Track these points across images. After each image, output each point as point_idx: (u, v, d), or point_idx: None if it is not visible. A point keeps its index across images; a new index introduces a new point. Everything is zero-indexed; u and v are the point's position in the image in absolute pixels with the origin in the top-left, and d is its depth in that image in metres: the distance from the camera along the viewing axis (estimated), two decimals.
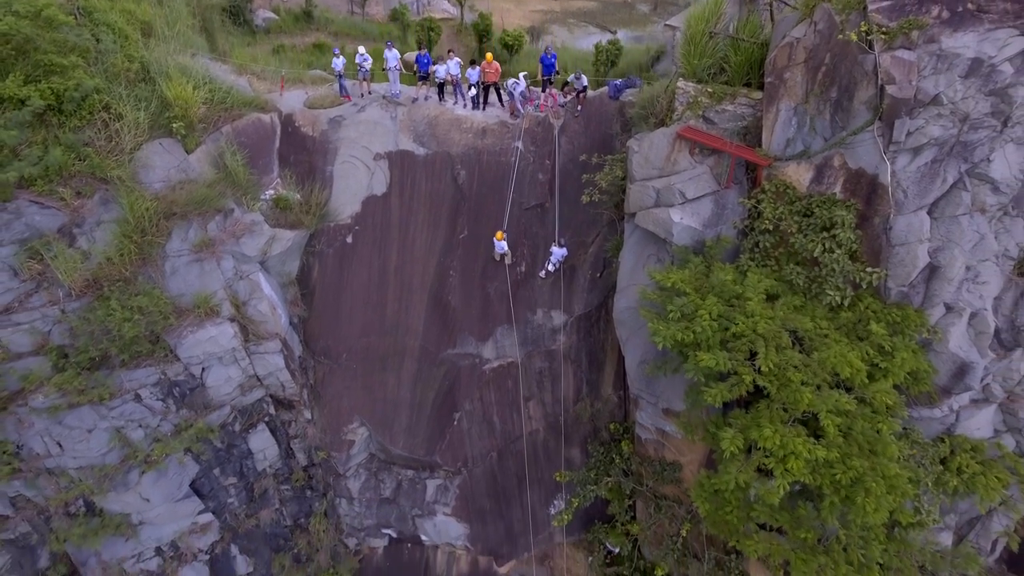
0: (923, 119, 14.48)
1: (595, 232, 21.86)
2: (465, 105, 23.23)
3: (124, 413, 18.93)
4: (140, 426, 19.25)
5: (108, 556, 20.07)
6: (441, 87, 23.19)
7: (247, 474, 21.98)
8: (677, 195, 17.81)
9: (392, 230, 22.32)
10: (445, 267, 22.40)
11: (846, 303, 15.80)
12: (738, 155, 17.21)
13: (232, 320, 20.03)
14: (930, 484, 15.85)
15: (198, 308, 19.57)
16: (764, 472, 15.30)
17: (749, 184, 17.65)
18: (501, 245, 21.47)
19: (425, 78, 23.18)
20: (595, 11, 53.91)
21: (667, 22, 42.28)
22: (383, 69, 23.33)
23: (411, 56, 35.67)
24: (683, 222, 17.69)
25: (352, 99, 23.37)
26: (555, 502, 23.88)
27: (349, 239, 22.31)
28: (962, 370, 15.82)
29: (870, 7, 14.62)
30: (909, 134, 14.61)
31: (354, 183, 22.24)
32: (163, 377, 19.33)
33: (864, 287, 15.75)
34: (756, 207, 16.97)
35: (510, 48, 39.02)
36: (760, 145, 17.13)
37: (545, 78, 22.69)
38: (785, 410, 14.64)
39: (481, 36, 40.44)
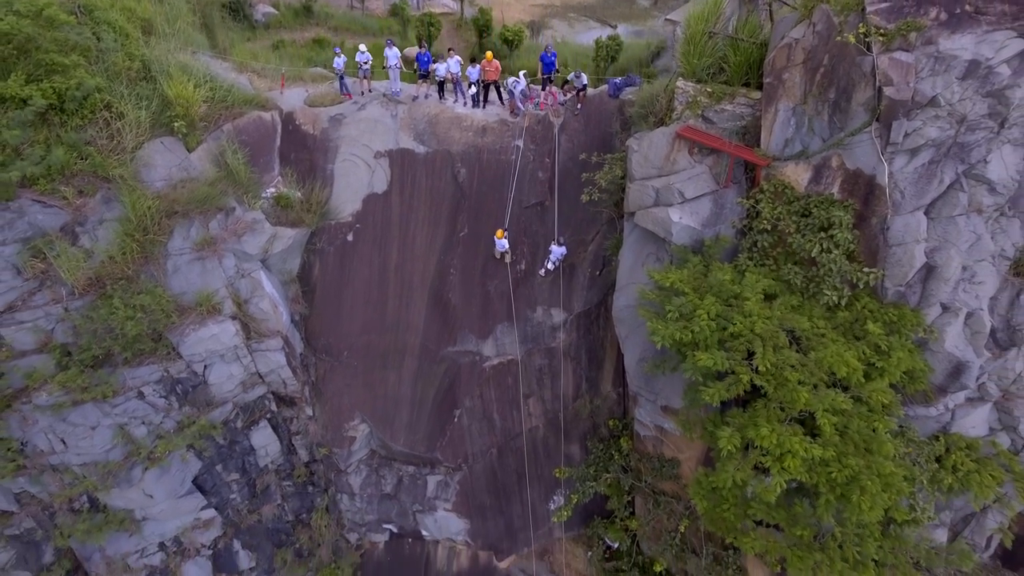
0: (920, 120, 14.57)
1: (595, 230, 21.96)
2: (465, 103, 23.29)
3: (127, 410, 19.09)
4: (143, 423, 19.42)
5: (112, 551, 20.30)
6: (441, 85, 23.24)
7: (249, 470, 22.18)
8: (676, 194, 17.91)
9: (393, 228, 22.43)
10: (445, 265, 22.52)
11: (843, 303, 15.93)
12: (737, 155, 17.31)
13: (234, 318, 20.18)
14: (925, 482, 16.01)
15: (200, 306, 19.71)
16: (761, 470, 15.47)
17: (748, 184, 17.75)
18: (502, 243, 21.58)
19: (425, 76, 23.24)
20: (595, 5, 53.74)
21: (667, 16, 42.29)
22: (383, 67, 23.37)
23: (411, 51, 35.77)
24: (682, 221, 17.81)
25: (352, 97, 23.44)
26: (555, 498, 24.10)
27: (350, 237, 22.42)
28: (958, 369, 15.96)
29: (868, 9, 14.67)
30: (906, 135, 14.70)
31: (355, 181, 22.32)
32: (166, 375, 19.49)
33: (861, 287, 15.87)
34: (754, 207, 17.08)
35: (510, 43, 39.01)
36: (759, 145, 17.21)
37: (545, 76, 22.75)
38: (782, 409, 14.79)
39: (481, 31, 40.40)
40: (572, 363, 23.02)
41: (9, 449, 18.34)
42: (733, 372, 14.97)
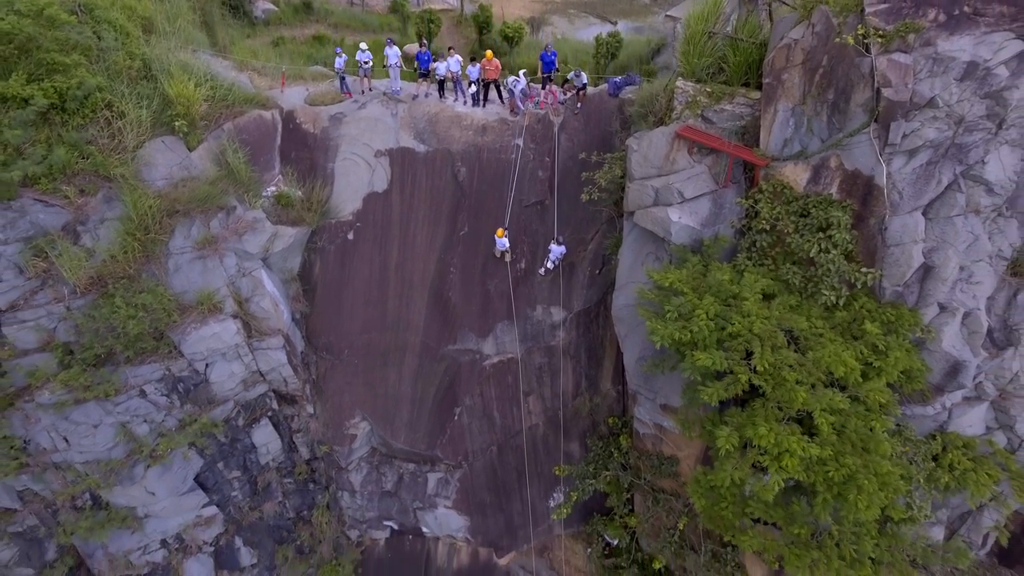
0: (919, 122, 14.64)
1: (594, 229, 22.03)
2: (465, 102, 23.33)
3: (129, 409, 19.19)
4: (145, 421, 19.52)
5: (114, 548, 20.43)
6: (441, 84, 23.28)
7: (250, 468, 22.30)
8: (675, 194, 17.98)
9: (393, 227, 22.49)
10: (446, 264, 22.60)
11: (841, 302, 16.02)
12: (736, 155, 17.37)
13: (235, 317, 20.27)
14: (922, 480, 16.14)
15: (201, 305, 19.79)
16: (759, 468, 15.58)
17: (747, 184, 17.82)
18: (502, 242, 21.65)
19: (426, 75, 23.27)
20: (595, 2, 53.71)
21: (668, 12, 42.26)
22: (383, 66, 23.40)
23: (411, 48, 35.76)
24: (681, 221, 17.88)
25: (353, 96, 23.48)
26: (554, 495, 24.24)
27: (350, 236, 22.49)
28: (955, 369, 16.08)
29: (867, 10, 14.72)
30: (905, 136, 14.77)
31: (355, 180, 22.38)
32: (167, 373, 19.58)
33: (859, 287, 15.97)
34: (753, 207, 17.16)
35: (510, 40, 39.00)
36: (758, 145, 17.27)
37: (545, 75, 22.79)
38: (780, 408, 14.89)
39: (481, 28, 40.38)
40: (572, 361, 23.12)
41: (12, 447, 18.43)
42: (731, 372, 15.07)
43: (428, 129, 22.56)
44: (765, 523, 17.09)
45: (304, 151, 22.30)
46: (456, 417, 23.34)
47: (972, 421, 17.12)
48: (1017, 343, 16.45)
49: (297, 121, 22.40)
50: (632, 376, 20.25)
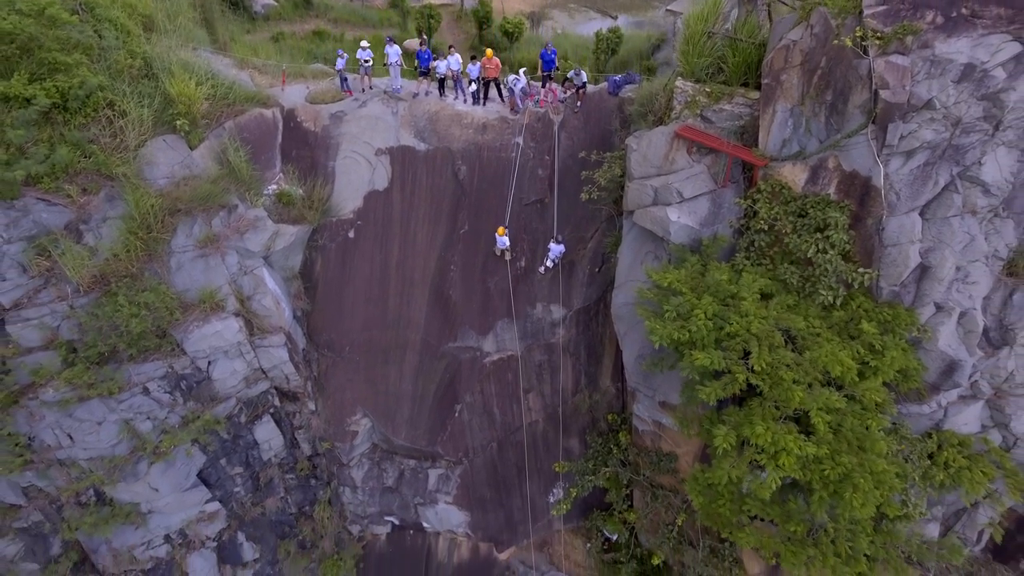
0: (916, 123, 14.74)
1: (594, 228, 22.15)
2: (465, 100, 23.40)
3: (133, 406, 19.35)
4: (148, 418, 19.68)
5: (118, 544, 20.62)
6: (442, 82, 23.33)
7: (253, 464, 22.48)
8: (675, 194, 18.08)
9: (394, 225, 22.61)
10: (446, 262, 22.72)
11: (838, 302, 16.17)
12: (735, 155, 17.47)
13: (237, 315, 20.40)
14: (917, 478, 16.31)
15: (204, 303, 19.91)
16: (757, 466, 15.76)
17: (745, 183, 17.93)
18: (503, 240, 21.76)
19: (426, 73, 23.32)
20: None
21: (668, 7, 42.25)
22: (384, 64, 23.45)
23: (411, 44, 35.77)
24: (680, 221, 17.99)
25: (353, 94, 23.53)
26: (554, 490, 24.45)
27: (351, 234, 22.60)
28: (951, 368, 16.22)
29: (865, 12, 14.80)
30: (902, 138, 14.87)
31: (356, 178, 22.47)
32: (170, 371, 19.74)
33: (856, 287, 16.10)
34: (752, 207, 17.28)
35: (510, 35, 39.04)
36: (756, 145, 17.36)
37: (545, 74, 22.87)
38: (777, 408, 15.06)
39: (481, 23, 40.41)
40: (571, 359, 23.28)
41: (17, 444, 18.59)
42: (729, 371, 15.23)
43: (428, 127, 22.64)
44: (762, 520, 17.30)
45: (305, 149, 22.38)
46: (457, 414, 23.51)
47: (967, 419, 17.28)
48: (1012, 342, 16.60)
49: (298, 119, 22.48)
50: (631, 374, 20.41)
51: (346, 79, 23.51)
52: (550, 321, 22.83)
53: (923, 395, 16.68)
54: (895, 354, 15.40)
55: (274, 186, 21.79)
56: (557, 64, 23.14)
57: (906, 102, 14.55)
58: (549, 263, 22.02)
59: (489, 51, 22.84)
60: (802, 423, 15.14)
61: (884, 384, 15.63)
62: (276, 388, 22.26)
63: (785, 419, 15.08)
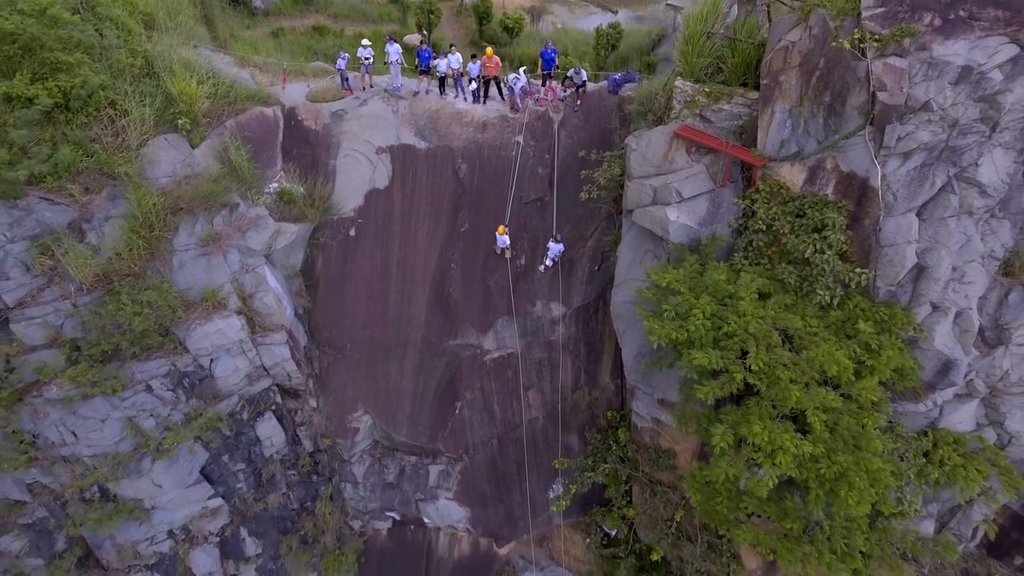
0: (913, 125, 14.83)
1: (594, 226, 22.27)
2: (466, 99, 23.46)
3: (136, 403, 19.52)
4: (152, 415, 19.86)
5: (122, 539, 20.85)
6: (442, 81, 23.38)
7: (255, 460, 22.68)
8: (674, 193, 18.19)
9: (394, 223, 22.72)
10: (446, 260, 22.85)
11: (836, 302, 16.30)
12: (733, 155, 17.56)
13: (239, 313, 20.54)
14: (913, 476, 16.50)
15: (206, 301, 20.03)
16: (754, 463, 15.93)
17: (744, 184, 18.02)
18: (503, 239, 21.88)
19: (426, 72, 23.37)
20: None
21: (669, 2, 42.15)
22: (384, 63, 23.50)
23: (411, 39, 35.80)
24: (679, 220, 18.10)
25: (354, 92, 23.57)
26: (553, 486, 24.66)
27: (352, 232, 22.71)
28: (946, 367, 16.39)
29: (864, 14, 14.86)
30: (899, 139, 14.97)
31: (357, 176, 22.56)
32: (173, 368, 19.89)
33: (853, 286, 16.24)
34: (750, 207, 17.38)
35: (510, 31, 39.04)
36: (755, 145, 17.44)
37: (545, 72, 22.93)
38: (774, 407, 15.23)
39: (481, 18, 40.37)
40: (571, 356, 23.44)
41: (21, 441, 18.77)
42: (727, 371, 15.39)
43: (429, 126, 22.72)
44: (759, 517, 17.48)
45: (306, 148, 22.46)
46: (457, 411, 23.70)
47: (963, 418, 17.44)
48: (1008, 342, 16.76)
49: (299, 118, 22.55)
50: (630, 371, 20.57)
51: (347, 78, 23.55)
52: (550, 319, 22.98)
53: (919, 394, 16.84)
54: (891, 353, 15.56)
55: (275, 184, 21.88)
56: (557, 62, 23.18)
57: (903, 104, 14.64)
58: (548, 262, 22.15)
59: (489, 50, 22.89)
60: (799, 422, 15.31)
61: (880, 383, 15.80)
62: (278, 385, 22.43)
63: (782, 418, 15.25)
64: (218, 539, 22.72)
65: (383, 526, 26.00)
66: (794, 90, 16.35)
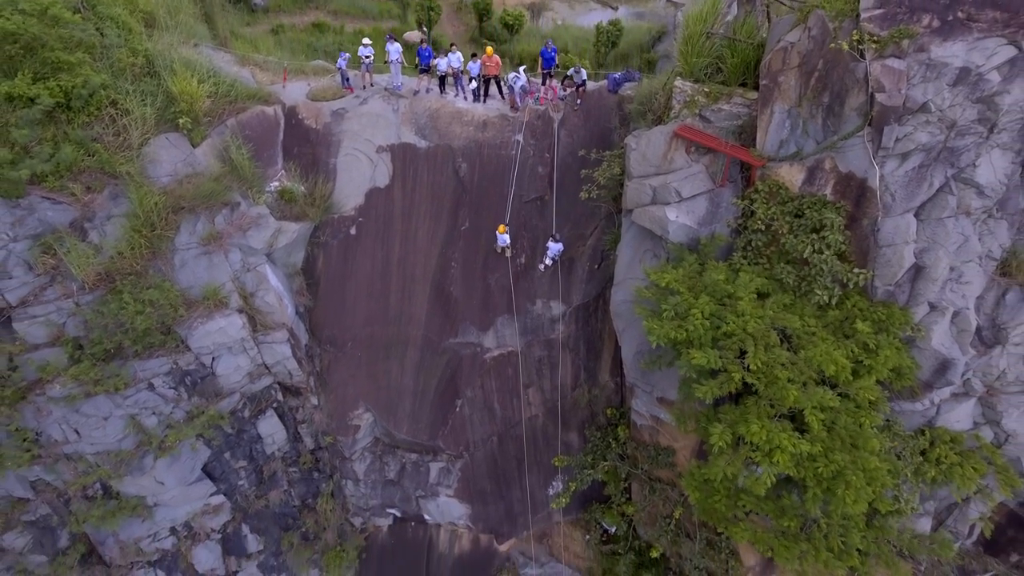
0: (911, 126, 14.91)
1: (593, 225, 22.35)
2: (466, 98, 23.49)
3: (138, 401, 19.65)
4: (154, 413, 19.99)
5: (125, 536, 21.03)
6: (442, 80, 23.41)
7: (256, 457, 22.82)
8: (673, 193, 18.26)
9: (395, 222, 22.79)
10: (447, 258, 22.93)
11: (834, 302, 16.40)
12: (733, 155, 17.63)
13: (240, 311, 20.65)
14: (909, 474, 16.62)
15: (207, 300, 20.15)
16: (752, 461, 16.05)
17: (743, 183, 18.09)
18: (503, 238, 21.97)
19: (427, 71, 23.40)
20: None
21: None
22: (385, 61, 23.53)
23: (411, 35, 35.80)
24: (678, 220, 18.18)
25: (354, 91, 23.60)
26: (553, 483, 24.81)
27: (353, 230, 22.79)
28: (944, 366, 16.50)
29: (862, 15, 14.91)
30: (897, 140, 15.05)
31: (357, 175, 22.62)
32: (175, 367, 20.02)
33: (851, 286, 16.33)
34: (749, 207, 17.44)
35: (510, 27, 39.02)
36: (754, 145, 17.51)
37: (545, 71, 22.97)
38: (772, 406, 15.34)
39: (481, 15, 40.33)
40: (571, 354, 23.56)
41: (25, 439, 18.92)
42: (726, 370, 15.48)
43: (429, 125, 22.77)
44: (757, 515, 17.60)
45: (306, 147, 22.51)
46: (457, 408, 23.82)
47: (960, 417, 17.57)
48: (1005, 341, 16.87)
49: (299, 117, 22.60)
50: (630, 370, 20.69)
51: (347, 77, 23.57)
52: (550, 317, 23.08)
53: (916, 393, 16.96)
54: (889, 353, 15.67)
55: (276, 183, 21.95)
56: (557, 61, 23.23)
57: (902, 105, 14.70)
58: (548, 261, 22.24)
59: (489, 49, 22.93)
60: (797, 421, 15.42)
61: (878, 382, 15.91)
62: (279, 383, 22.56)
63: (780, 417, 15.36)
64: (220, 536, 22.90)
65: (384, 523, 26.16)
66: (793, 91, 16.41)
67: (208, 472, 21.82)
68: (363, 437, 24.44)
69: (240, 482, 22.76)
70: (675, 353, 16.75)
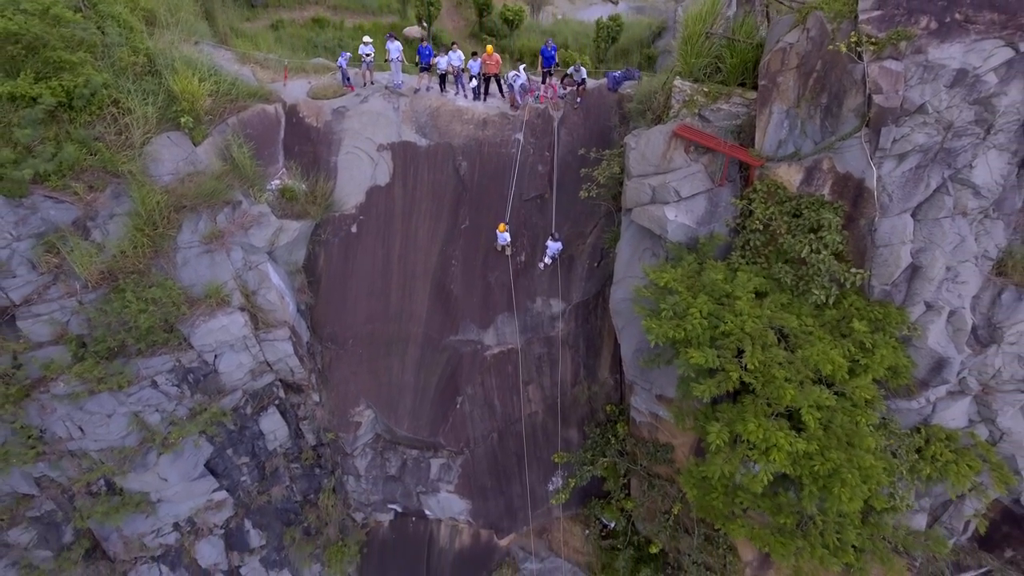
0: (908, 127, 15.01)
1: (593, 223, 22.46)
2: (466, 96, 23.54)
3: (142, 399, 19.81)
4: (157, 411, 20.16)
5: (129, 532, 21.23)
6: (443, 78, 23.46)
7: (259, 454, 23.01)
8: (672, 193, 18.36)
9: (396, 220, 22.90)
10: (447, 256, 23.05)
11: (831, 301, 16.53)
12: (731, 155, 17.73)
13: (242, 309, 20.80)
14: (905, 472, 16.81)
15: (209, 298, 20.29)
16: (749, 459, 16.22)
17: (742, 183, 18.19)
18: (504, 236, 22.07)
19: (427, 69, 23.44)
20: None
21: None
22: (385, 60, 23.58)
23: (411, 31, 35.78)
24: (677, 220, 18.29)
25: (355, 89, 23.65)
26: (553, 479, 25.00)
27: (354, 229, 22.90)
28: (940, 365, 16.66)
29: (861, 17, 14.99)
30: (895, 141, 15.15)
31: (358, 173, 22.71)
32: (178, 364, 20.17)
33: (848, 286, 16.45)
34: (748, 206, 17.56)
35: (510, 23, 38.92)
36: (753, 145, 17.61)
37: (545, 70, 23.03)
38: (769, 405, 15.51)
39: (481, 10, 40.19)
40: (570, 351, 23.71)
41: (29, 436, 19.09)
42: (723, 369, 15.64)
43: (429, 123, 22.84)
44: (754, 511, 17.79)
45: (307, 145, 22.60)
46: (458, 405, 23.99)
47: (955, 415, 17.73)
48: (1000, 340, 17.02)
49: (300, 115, 22.66)
50: (629, 367, 20.84)
51: (348, 75, 23.62)
52: (550, 315, 23.22)
53: (912, 391, 17.12)
54: (885, 352, 15.82)
55: (277, 182, 22.04)
56: (557, 59, 23.29)
57: (899, 106, 14.81)
58: (547, 260, 22.36)
59: (489, 47, 22.98)
60: (793, 419, 15.60)
61: (874, 381, 16.07)
62: (281, 380, 22.72)
63: (777, 416, 15.54)
64: (223, 531, 23.11)
65: (385, 518, 26.37)
66: (791, 91, 16.50)
67: (211, 468, 22.01)
68: (364, 433, 24.62)
69: (242, 478, 22.96)
70: (673, 352, 16.91)
